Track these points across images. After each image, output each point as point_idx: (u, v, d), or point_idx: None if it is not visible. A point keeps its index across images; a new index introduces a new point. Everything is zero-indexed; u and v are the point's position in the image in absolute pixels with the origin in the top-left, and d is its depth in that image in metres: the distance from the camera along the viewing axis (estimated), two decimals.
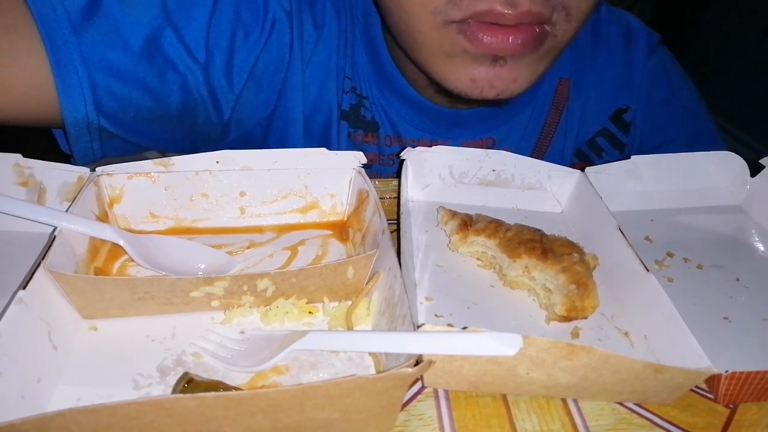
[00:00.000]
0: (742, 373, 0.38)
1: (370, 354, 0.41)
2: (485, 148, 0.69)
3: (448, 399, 0.39)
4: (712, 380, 0.40)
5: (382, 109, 0.70)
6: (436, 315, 0.45)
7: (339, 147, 0.70)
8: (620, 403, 0.40)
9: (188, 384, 0.36)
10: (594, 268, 0.48)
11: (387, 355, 0.38)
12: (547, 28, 0.53)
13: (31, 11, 0.52)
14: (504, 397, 0.40)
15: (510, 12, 0.50)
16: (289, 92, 0.66)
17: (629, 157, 0.59)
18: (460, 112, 0.70)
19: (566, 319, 0.44)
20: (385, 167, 0.73)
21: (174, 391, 0.36)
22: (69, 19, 0.53)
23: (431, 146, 0.58)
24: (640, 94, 0.75)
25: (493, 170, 0.59)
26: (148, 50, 0.57)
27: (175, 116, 0.61)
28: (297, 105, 0.67)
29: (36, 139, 0.63)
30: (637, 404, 0.40)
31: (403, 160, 0.56)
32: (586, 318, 0.45)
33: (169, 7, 0.58)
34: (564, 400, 0.40)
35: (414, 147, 0.71)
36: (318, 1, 0.66)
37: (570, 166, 0.65)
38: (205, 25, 0.59)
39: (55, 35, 0.53)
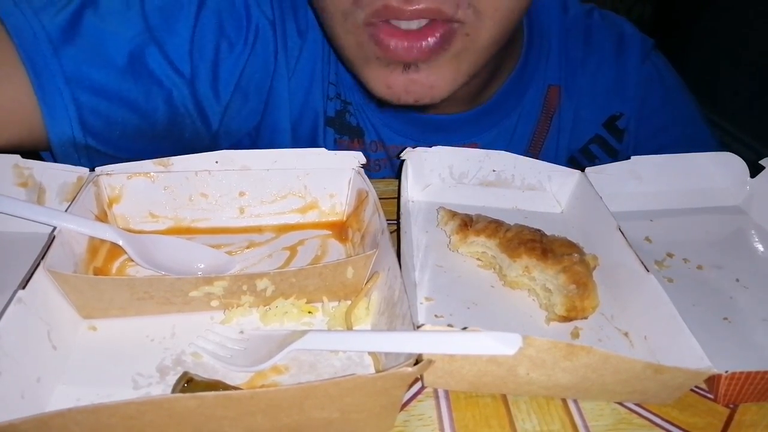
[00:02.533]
0: (742, 373, 0.38)
1: (370, 354, 0.41)
2: None
3: (448, 399, 0.39)
4: (712, 380, 0.40)
5: (365, 115, 0.70)
6: (436, 315, 0.45)
7: None
8: (620, 403, 0.40)
9: (188, 384, 0.36)
10: (594, 268, 0.48)
11: (387, 354, 0.38)
12: (455, 26, 0.52)
13: (10, 34, 0.51)
14: (504, 397, 0.39)
15: (406, 8, 0.49)
16: (276, 101, 0.66)
17: (629, 158, 0.59)
18: (441, 118, 0.69)
19: (566, 319, 0.44)
20: (371, 173, 0.73)
21: (174, 391, 0.36)
22: (49, 40, 0.52)
23: None
24: (634, 100, 0.74)
25: (493, 170, 0.59)
26: (131, 67, 0.56)
27: (162, 131, 0.61)
28: (284, 113, 0.67)
29: None
30: (637, 404, 0.40)
31: (404, 160, 0.56)
32: (586, 318, 0.45)
33: (152, 23, 0.57)
34: (564, 401, 0.40)
35: (397, 154, 0.71)
36: (300, 8, 0.66)
37: None
38: (189, 38, 0.59)
39: (37, 57, 0.52)
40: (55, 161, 0.57)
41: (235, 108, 0.64)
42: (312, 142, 0.69)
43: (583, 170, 0.58)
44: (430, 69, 0.54)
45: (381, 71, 0.55)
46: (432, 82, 0.55)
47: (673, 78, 0.78)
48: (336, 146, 0.71)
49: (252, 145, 0.69)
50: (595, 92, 0.73)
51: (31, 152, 0.58)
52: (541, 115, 0.72)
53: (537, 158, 0.72)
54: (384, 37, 0.52)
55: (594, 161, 0.75)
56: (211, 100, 0.62)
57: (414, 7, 0.49)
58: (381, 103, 0.62)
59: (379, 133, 0.70)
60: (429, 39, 0.52)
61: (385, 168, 0.73)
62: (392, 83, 0.55)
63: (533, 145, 0.73)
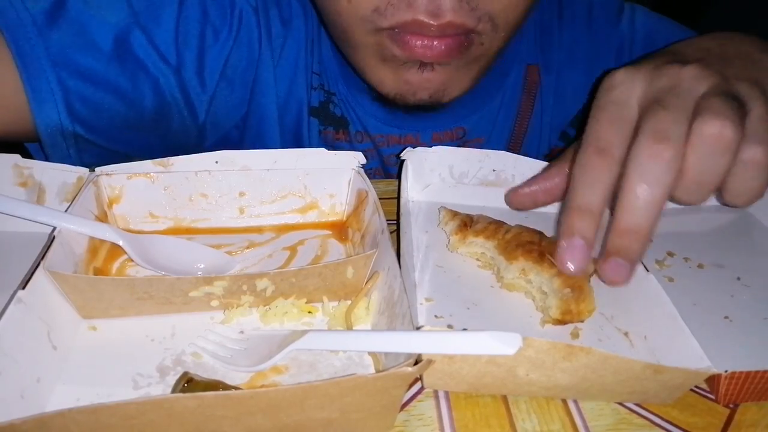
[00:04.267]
0: (742, 373, 0.38)
1: (370, 353, 0.41)
2: (456, 139, 0.69)
3: (448, 399, 0.39)
4: (712, 380, 0.40)
5: (349, 105, 0.70)
6: (435, 316, 0.45)
7: (310, 145, 0.70)
8: (620, 403, 0.40)
9: (188, 384, 0.36)
10: (591, 274, 0.47)
11: (386, 354, 0.38)
12: (473, 36, 0.54)
13: None
14: (504, 397, 0.39)
15: (433, 22, 0.51)
16: (262, 89, 0.66)
17: None
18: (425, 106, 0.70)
19: (561, 322, 0.44)
20: None
21: (174, 391, 0.36)
22: (34, 23, 0.52)
23: (400, 141, 0.57)
24: (621, 57, 0.74)
25: (494, 170, 0.59)
26: (117, 52, 0.56)
27: (149, 121, 0.60)
28: (271, 102, 0.67)
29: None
30: (637, 404, 0.40)
31: (404, 160, 0.56)
32: (582, 321, 0.45)
33: (137, 8, 0.57)
34: (564, 401, 0.39)
35: (383, 143, 0.70)
36: None
37: (556, 149, 0.62)
38: (174, 26, 0.59)
39: (22, 40, 0.52)
40: (44, 153, 0.57)
41: (222, 98, 0.64)
42: (297, 134, 0.70)
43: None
44: (445, 70, 0.56)
45: (397, 69, 0.56)
46: (446, 82, 0.57)
47: (653, 17, 0.77)
48: (320, 138, 0.71)
49: (240, 138, 0.69)
50: (574, 64, 0.73)
51: (23, 149, 0.57)
52: (523, 94, 0.73)
53: (523, 137, 0.72)
54: (406, 37, 0.53)
55: None
56: (197, 89, 0.62)
57: (440, 22, 0.51)
58: (385, 101, 0.62)
59: (363, 123, 0.70)
60: (449, 41, 0.53)
61: (373, 159, 0.72)
62: (410, 79, 0.56)
63: (518, 125, 0.73)
